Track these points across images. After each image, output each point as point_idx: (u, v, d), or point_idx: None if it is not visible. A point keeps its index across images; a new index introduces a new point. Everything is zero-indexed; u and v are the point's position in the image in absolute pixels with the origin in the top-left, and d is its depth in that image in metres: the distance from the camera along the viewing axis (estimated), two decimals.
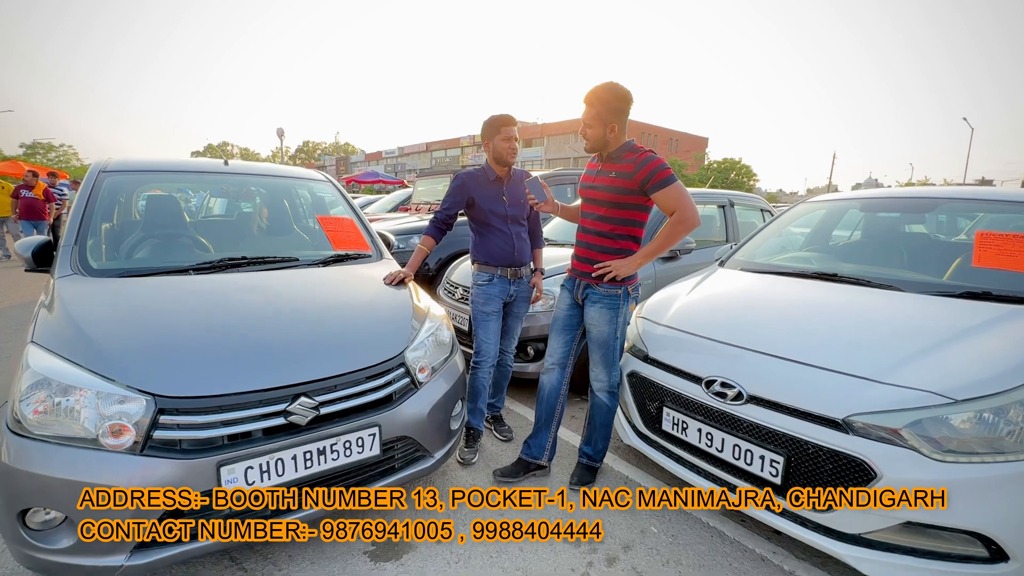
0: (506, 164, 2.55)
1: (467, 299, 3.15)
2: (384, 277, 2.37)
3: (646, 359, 2.28)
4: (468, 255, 4.61)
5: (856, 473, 1.58)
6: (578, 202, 2.37)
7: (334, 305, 2.07)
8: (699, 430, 2.00)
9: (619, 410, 2.53)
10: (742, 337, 2.04)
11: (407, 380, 1.92)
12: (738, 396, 1.87)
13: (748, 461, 1.84)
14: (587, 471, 2.41)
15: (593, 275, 2.19)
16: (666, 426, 2.15)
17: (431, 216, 2.61)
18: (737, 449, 1.87)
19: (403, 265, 2.53)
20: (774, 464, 1.76)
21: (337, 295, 2.17)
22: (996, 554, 1.48)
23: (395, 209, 9.21)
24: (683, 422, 2.06)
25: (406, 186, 16.52)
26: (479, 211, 2.57)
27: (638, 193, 2.08)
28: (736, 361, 1.96)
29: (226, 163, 2.83)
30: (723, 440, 1.91)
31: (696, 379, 2.02)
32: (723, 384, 1.92)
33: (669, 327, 2.31)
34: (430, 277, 4.90)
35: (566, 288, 2.38)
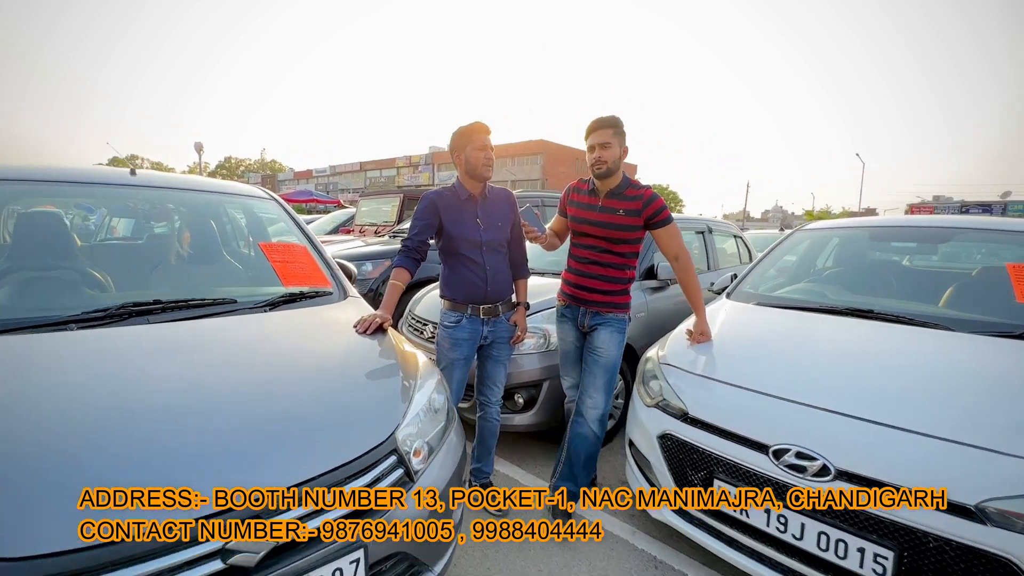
0: (482, 179, 2.13)
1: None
2: (355, 324, 1.82)
3: (685, 418, 1.88)
4: (436, 284, 4.14)
5: (995, 573, 1.25)
6: (550, 226, 2.39)
7: (292, 371, 1.47)
8: (767, 511, 1.62)
9: (636, 472, 2.13)
10: (808, 392, 1.71)
11: (400, 472, 1.39)
12: (823, 471, 1.51)
13: (841, 554, 1.47)
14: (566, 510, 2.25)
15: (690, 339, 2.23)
16: (718, 503, 1.75)
17: (398, 244, 2.12)
18: (824, 538, 1.50)
19: (375, 305, 2.00)
20: (880, 560, 1.40)
21: (294, 354, 1.57)
22: None
23: (335, 231, 8.45)
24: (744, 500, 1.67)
25: (343, 206, 15.58)
26: (448, 238, 2.14)
27: (641, 228, 2.18)
28: (811, 424, 1.61)
29: (133, 172, 2.15)
30: (802, 526, 1.54)
31: (761, 447, 1.64)
32: (800, 455, 1.55)
33: (709, 377, 1.94)
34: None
35: (567, 318, 2.36)
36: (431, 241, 2.18)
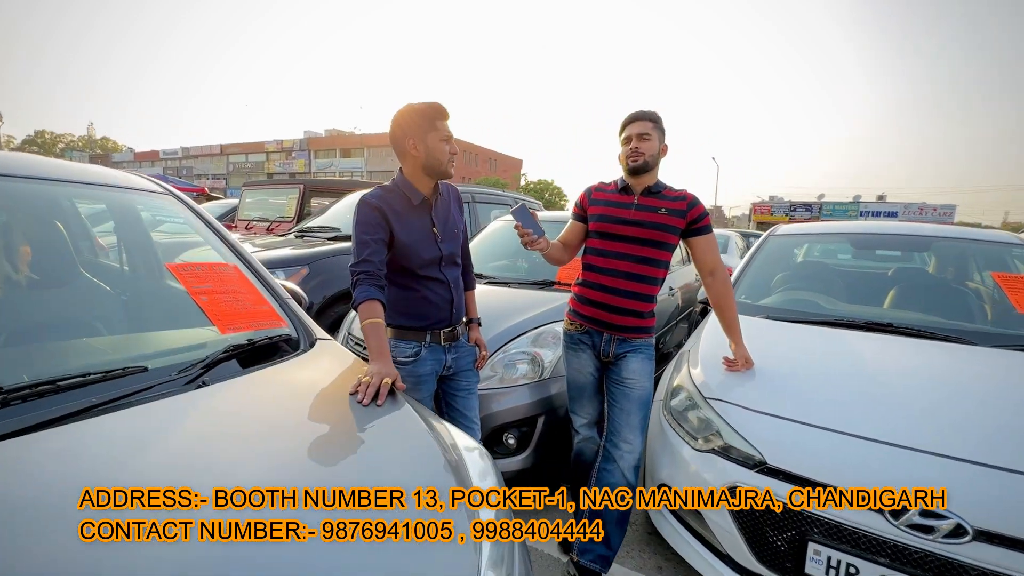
0: (444, 177, 1.68)
1: None
2: (353, 391, 1.21)
3: (764, 469, 1.59)
4: None
5: None
6: (558, 236, 2.04)
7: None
8: None
9: (683, 533, 1.82)
10: (913, 433, 1.50)
11: None
12: (957, 531, 1.30)
13: None
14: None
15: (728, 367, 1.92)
16: (814, 570, 1.48)
17: (353, 273, 1.54)
18: None
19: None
20: None
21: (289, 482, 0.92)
22: None
23: None
24: (851, 567, 1.42)
25: (210, 195, 13.33)
26: (401, 254, 1.63)
27: (679, 233, 1.88)
28: (931, 473, 1.40)
29: None
30: None
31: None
32: (925, 513, 1.33)
33: (787, 419, 1.66)
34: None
35: (584, 345, 1.98)
36: None
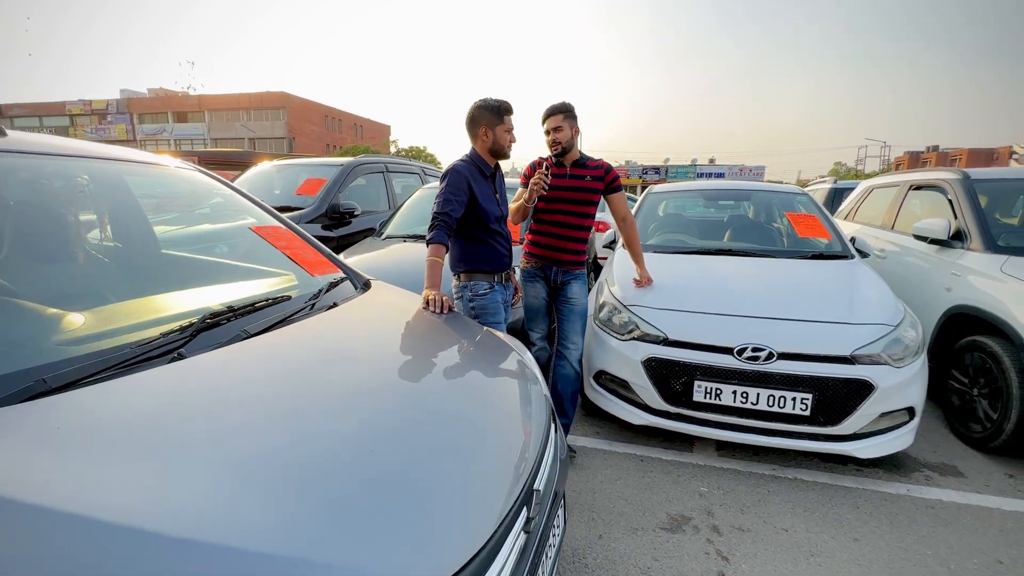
0: (504, 157, 2.27)
1: None
2: (425, 307, 1.76)
3: (667, 342, 2.47)
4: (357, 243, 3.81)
5: (861, 389, 2.22)
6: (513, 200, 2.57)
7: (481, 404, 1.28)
8: (734, 392, 2.35)
9: (611, 398, 2.68)
10: (743, 308, 2.49)
11: None
12: (769, 356, 2.29)
13: (781, 406, 2.29)
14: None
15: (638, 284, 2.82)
16: (698, 397, 2.41)
17: (435, 219, 2.05)
18: (771, 398, 2.30)
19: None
20: (803, 401, 2.26)
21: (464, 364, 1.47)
22: (911, 415, 2.37)
23: None
24: (716, 389, 2.37)
25: None
26: (479, 212, 2.19)
27: (600, 192, 2.55)
28: (756, 328, 2.38)
29: (3, 133, 1.43)
30: (758, 395, 2.31)
31: (727, 350, 2.35)
32: (755, 349, 2.31)
33: (678, 310, 2.57)
34: None
35: (538, 277, 2.63)
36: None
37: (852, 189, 5.71)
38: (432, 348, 1.52)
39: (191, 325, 1.17)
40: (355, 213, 4.66)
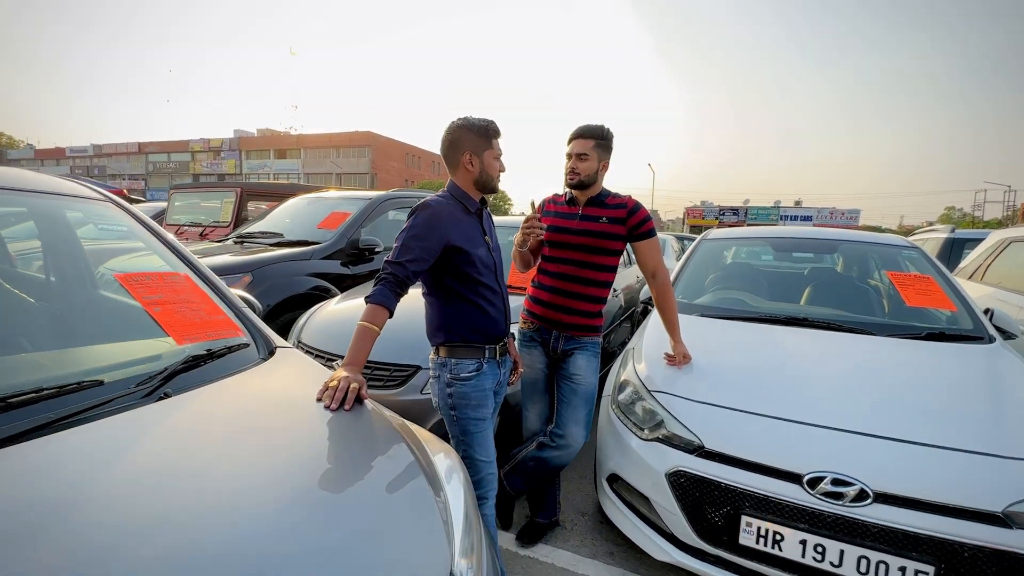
0: (493, 191, 1.72)
1: None
2: (319, 397, 1.23)
3: (702, 452, 1.75)
4: (325, 302, 3.38)
5: (1021, 571, 1.37)
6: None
7: (237, 516, 0.83)
8: (802, 542, 1.57)
9: (627, 514, 1.97)
10: (824, 413, 1.72)
11: None
12: (861, 496, 1.51)
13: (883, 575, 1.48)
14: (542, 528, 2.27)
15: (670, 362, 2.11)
16: (746, 540, 1.65)
17: (384, 270, 1.53)
18: (864, 562, 1.50)
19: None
20: None
21: (261, 486, 0.93)
22: None
23: None
24: (775, 534, 1.61)
25: (127, 196, 12.34)
26: (462, 261, 1.61)
27: (623, 239, 2.01)
28: (839, 447, 1.61)
29: None
30: (841, 552, 1.52)
31: (792, 476, 1.59)
32: (836, 481, 1.54)
33: (721, 406, 1.84)
34: None
35: (536, 342, 2.11)
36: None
37: (976, 240, 4.61)
38: (284, 476, 0.96)
39: None
40: (376, 250, 4.34)
